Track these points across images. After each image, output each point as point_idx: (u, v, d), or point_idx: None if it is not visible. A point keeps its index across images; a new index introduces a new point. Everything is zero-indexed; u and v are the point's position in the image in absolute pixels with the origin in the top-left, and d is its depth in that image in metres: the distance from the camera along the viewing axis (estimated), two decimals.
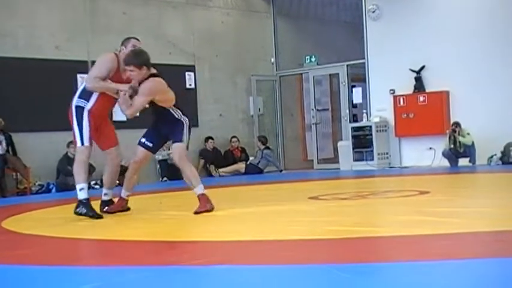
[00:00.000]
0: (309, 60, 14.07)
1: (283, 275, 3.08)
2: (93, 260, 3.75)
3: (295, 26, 14.77)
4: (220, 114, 13.35)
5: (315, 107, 14.13)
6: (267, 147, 13.22)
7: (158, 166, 12.03)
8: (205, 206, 5.70)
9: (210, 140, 12.88)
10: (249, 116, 13.93)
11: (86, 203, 5.71)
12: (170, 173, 11.82)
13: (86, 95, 5.90)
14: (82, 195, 5.70)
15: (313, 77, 14.12)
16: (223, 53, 13.41)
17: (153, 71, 5.88)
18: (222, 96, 13.39)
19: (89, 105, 5.84)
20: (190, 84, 12.81)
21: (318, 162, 14.01)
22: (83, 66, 11.28)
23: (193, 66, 12.90)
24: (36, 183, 10.58)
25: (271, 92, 14.46)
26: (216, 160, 12.88)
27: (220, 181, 11.05)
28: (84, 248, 4.35)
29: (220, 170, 12.77)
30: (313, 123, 14.15)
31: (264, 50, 14.24)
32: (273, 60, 14.37)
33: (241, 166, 12.96)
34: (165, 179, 11.86)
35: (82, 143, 5.79)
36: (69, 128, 11.65)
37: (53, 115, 10.78)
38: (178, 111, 5.88)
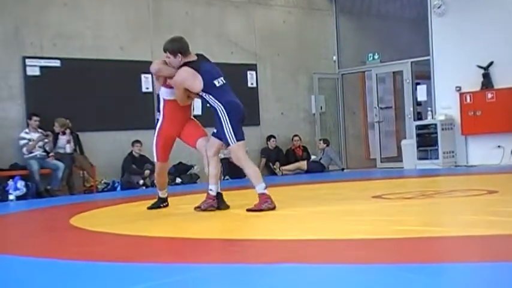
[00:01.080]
0: (371, 58, 13.89)
1: (348, 275, 3.03)
2: (157, 258, 3.78)
3: (358, 23, 14.60)
4: (281, 112, 13.34)
5: (378, 105, 13.93)
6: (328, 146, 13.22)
7: (220, 165, 12.09)
8: (259, 206, 5.64)
9: (272, 139, 12.88)
10: (310, 114, 13.86)
11: (159, 199, 6.54)
12: (232, 171, 11.88)
13: (159, 105, 6.21)
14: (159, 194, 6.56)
15: (376, 75, 13.93)
16: (284, 51, 13.39)
17: (191, 58, 5.89)
18: (283, 94, 13.37)
19: (161, 115, 6.13)
20: (252, 83, 12.86)
21: (381, 161, 13.81)
22: (147, 67, 11.44)
23: (255, 65, 12.93)
24: (102, 182, 10.82)
25: (333, 90, 14.35)
26: (277, 159, 12.88)
27: (282, 180, 11.03)
28: (149, 246, 4.40)
29: (283, 168, 12.76)
30: (376, 122, 13.95)
31: (326, 48, 14.14)
32: (335, 58, 14.24)
33: (303, 164, 12.94)
34: (227, 177, 11.92)
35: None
36: (133, 128, 11.94)
37: (118, 115, 11.04)
38: (211, 96, 5.76)
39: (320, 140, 13.46)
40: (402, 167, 12.72)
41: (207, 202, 6.02)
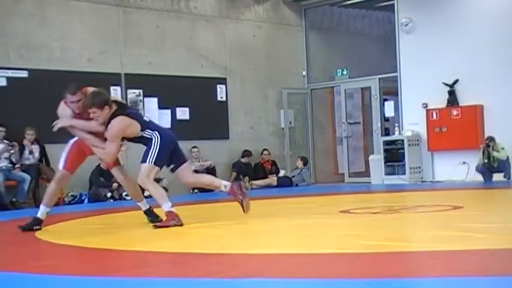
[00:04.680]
0: (340, 74, 14.03)
1: None
2: (122, 271, 3.76)
3: (327, 39, 14.74)
4: (251, 127, 13.36)
5: (346, 120, 14.06)
6: (305, 167, 13.32)
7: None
8: (167, 222, 5.77)
9: (247, 157, 12.89)
10: (279, 128, 13.92)
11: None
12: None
13: None
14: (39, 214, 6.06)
15: (345, 90, 14.06)
16: (254, 65, 13.45)
17: (113, 108, 5.96)
18: (253, 108, 13.41)
19: None
20: (221, 97, 12.87)
21: (349, 176, 13.91)
22: (116, 79, 11.43)
23: (225, 79, 12.96)
24: (69, 194, 10.69)
25: (302, 105, 14.44)
26: (247, 173, 12.89)
27: (252, 193, 11.03)
28: (114, 259, 4.37)
29: (253, 182, 12.77)
30: (344, 137, 14.07)
31: (295, 63, 14.24)
32: (304, 73, 14.35)
33: (273, 179, 12.97)
34: (195, 190, 11.89)
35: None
36: None
37: None
38: (148, 131, 5.92)
39: (299, 157, 13.50)
40: (370, 182, 12.83)
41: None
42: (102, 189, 10.84)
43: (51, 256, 4.59)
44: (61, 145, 10.64)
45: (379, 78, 13.47)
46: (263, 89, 13.64)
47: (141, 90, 11.68)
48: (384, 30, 14.56)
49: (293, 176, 13.23)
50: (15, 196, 9.89)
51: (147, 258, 4.28)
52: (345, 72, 13.95)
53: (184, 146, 12.06)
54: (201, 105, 12.34)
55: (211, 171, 12.22)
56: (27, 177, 9.91)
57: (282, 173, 13.29)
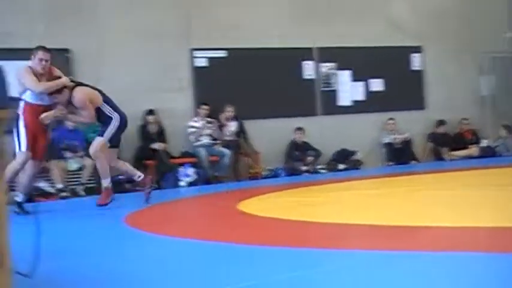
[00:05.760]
0: None
1: None
2: (326, 243, 3.75)
3: None
4: (448, 95, 12.75)
5: None
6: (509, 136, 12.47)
7: (384, 150, 11.86)
8: (105, 200, 6.30)
9: (442, 125, 12.39)
10: (479, 96, 13.12)
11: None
12: (396, 156, 11.63)
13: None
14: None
15: None
16: (450, 30, 12.76)
17: (73, 84, 6.39)
18: (449, 76, 12.76)
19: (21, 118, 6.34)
20: (416, 66, 12.43)
21: None
22: (308, 53, 11.50)
23: (419, 47, 12.46)
24: (266, 168, 11.01)
25: (505, 70, 13.44)
26: (445, 143, 12.36)
27: (451, 165, 10.58)
28: (315, 231, 4.38)
29: (451, 153, 12.21)
30: None
31: (496, 24, 13.24)
32: (508, 35, 13.33)
33: (474, 150, 12.30)
34: (390, 163, 11.65)
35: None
36: (295, 115, 11.98)
37: (279, 102, 11.17)
38: (109, 107, 6.44)
39: (502, 126, 12.66)
40: None
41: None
42: (297, 163, 11.03)
43: (257, 227, 4.73)
44: (257, 121, 11.10)
45: None
46: (460, 55, 12.91)
47: (334, 64, 11.64)
48: None
49: (496, 146, 12.45)
50: (217, 170, 10.40)
51: (347, 231, 4.24)
52: None
53: (379, 117, 11.99)
54: (395, 75, 12.01)
55: (406, 144, 11.90)
56: (228, 152, 10.36)
57: (483, 142, 12.56)
